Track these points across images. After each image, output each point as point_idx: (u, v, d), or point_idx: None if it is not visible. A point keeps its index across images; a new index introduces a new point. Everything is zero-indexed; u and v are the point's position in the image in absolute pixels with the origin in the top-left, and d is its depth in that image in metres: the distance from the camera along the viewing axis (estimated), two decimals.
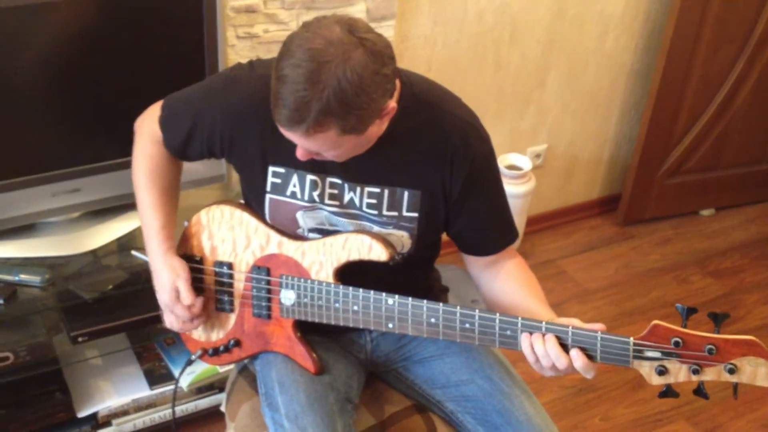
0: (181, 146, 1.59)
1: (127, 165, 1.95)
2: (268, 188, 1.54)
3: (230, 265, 1.60)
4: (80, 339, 1.98)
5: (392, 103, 1.36)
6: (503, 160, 2.92)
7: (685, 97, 3.12)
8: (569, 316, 1.41)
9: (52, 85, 1.88)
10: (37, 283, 1.95)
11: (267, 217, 1.56)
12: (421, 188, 1.50)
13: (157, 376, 2.20)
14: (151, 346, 2.27)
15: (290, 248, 1.55)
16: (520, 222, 2.97)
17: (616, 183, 3.43)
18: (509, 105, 2.90)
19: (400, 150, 1.48)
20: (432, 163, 1.49)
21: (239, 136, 1.51)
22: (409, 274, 1.62)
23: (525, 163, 2.92)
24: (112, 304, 2.01)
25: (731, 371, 1.27)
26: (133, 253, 1.81)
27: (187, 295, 1.53)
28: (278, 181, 1.53)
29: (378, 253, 1.48)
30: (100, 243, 2.05)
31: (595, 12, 2.90)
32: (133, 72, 1.93)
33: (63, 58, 1.85)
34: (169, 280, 1.54)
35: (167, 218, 1.59)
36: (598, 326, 1.35)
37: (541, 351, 1.37)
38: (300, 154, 1.39)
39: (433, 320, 1.45)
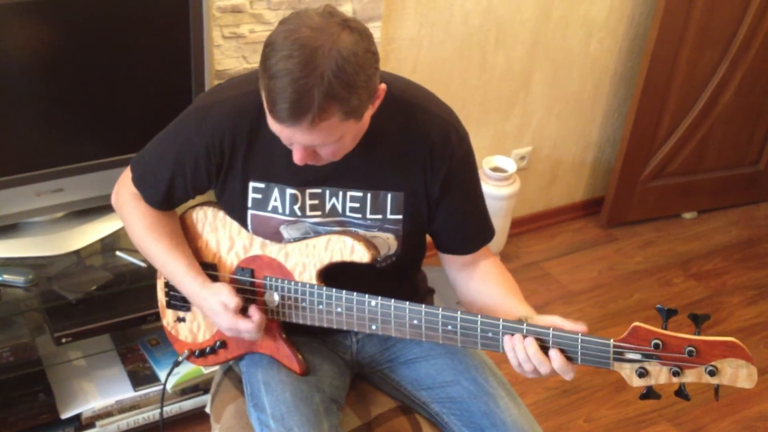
0: (164, 196, 1.56)
1: (112, 165, 1.97)
2: (250, 204, 1.52)
3: (214, 267, 1.59)
4: (64, 340, 1.96)
5: (383, 85, 1.36)
6: (488, 162, 2.93)
7: (668, 100, 3.14)
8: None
9: (37, 84, 1.87)
10: (21, 284, 1.94)
11: (250, 231, 1.55)
12: (403, 190, 1.50)
13: (141, 377, 2.19)
14: (135, 347, 2.26)
15: (273, 250, 1.54)
16: (504, 224, 2.98)
17: (599, 185, 3.45)
18: (494, 107, 2.91)
19: (380, 152, 1.48)
20: (413, 164, 1.49)
21: (225, 159, 1.49)
22: (396, 276, 1.62)
23: (509, 165, 2.93)
24: (96, 305, 2.00)
25: (712, 373, 1.26)
26: (118, 253, 1.80)
27: (236, 302, 1.48)
28: (259, 196, 1.52)
29: (360, 254, 1.48)
30: (84, 243, 2.04)
31: (579, 15, 2.92)
32: (118, 72, 1.93)
33: (47, 57, 1.84)
34: (217, 303, 1.50)
35: (188, 259, 1.55)
36: (581, 327, 1.35)
37: (523, 356, 1.36)
38: (298, 157, 1.35)
39: (415, 322, 1.44)
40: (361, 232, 1.52)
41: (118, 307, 2.03)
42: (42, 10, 1.79)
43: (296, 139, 1.32)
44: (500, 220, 2.89)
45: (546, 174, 3.26)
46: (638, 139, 3.18)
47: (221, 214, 1.58)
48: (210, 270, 1.59)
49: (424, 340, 1.47)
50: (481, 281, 1.60)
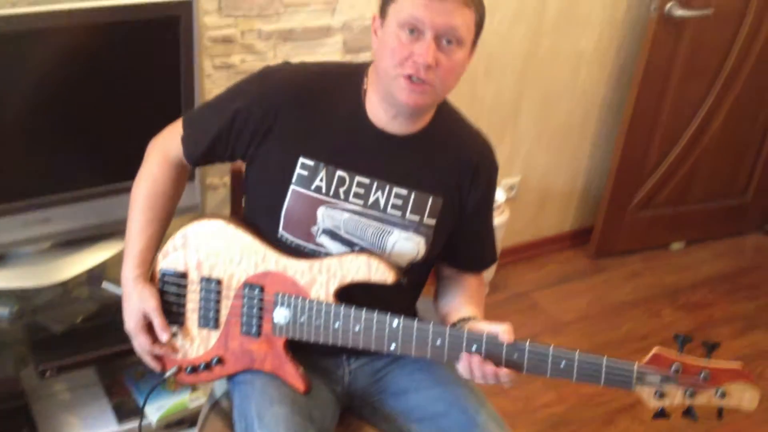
0: (205, 149, 1.59)
1: (99, 195, 1.95)
2: (294, 179, 1.54)
3: (219, 281, 1.58)
4: (48, 373, 1.93)
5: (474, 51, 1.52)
6: None
7: (656, 131, 3.16)
8: None
9: (25, 113, 1.85)
10: (5, 316, 1.91)
11: (284, 210, 1.55)
12: (443, 196, 1.57)
13: (126, 410, 2.14)
14: (121, 380, 2.22)
15: (288, 266, 1.54)
16: None
17: (588, 215, 3.46)
18: None
19: (430, 154, 1.57)
20: (456, 173, 1.59)
21: (276, 124, 1.53)
22: (401, 301, 1.64)
23: (499, 195, 2.93)
24: (82, 337, 1.97)
25: (722, 395, 1.40)
26: (104, 285, 1.78)
27: (158, 322, 1.57)
28: (305, 173, 1.54)
29: (383, 274, 1.50)
30: (71, 274, 2.00)
31: (567, 46, 2.93)
32: (107, 101, 1.91)
33: (36, 87, 1.82)
34: (136, 308, 1.56)
35: (150, 242, 1.60)
36: (502, 327, 1.44)
37: (479, 370, 1.46)
38: (430, 52, 1.40)
39: (438, 342, 1.48)
40: (396, 231, 1.56)
41: (103, 339, 1.99)
42: (30, 40, 1.77)
43: (438, 18, 1.39)
44: None
45: (535, 204, 3.27)
46: (626, 169, 3.19)
47: (231, 227, 1.58)
48: (215, 284, 1.58)
49: (444, 361, 1.51)
50: (457, 291, 1.68)
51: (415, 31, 1.41)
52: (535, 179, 3.19)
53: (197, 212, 2.16)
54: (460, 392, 1.62)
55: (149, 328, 1.60)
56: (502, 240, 3.03)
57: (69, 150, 1.94)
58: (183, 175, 1.68)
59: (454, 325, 1.56)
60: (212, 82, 2.17)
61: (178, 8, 1.86)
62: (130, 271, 1.58)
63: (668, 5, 2.84)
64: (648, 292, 3.23)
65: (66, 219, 1.96)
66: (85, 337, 1.98)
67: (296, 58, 2.25)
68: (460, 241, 1.66)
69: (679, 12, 2.85)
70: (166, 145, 1.65)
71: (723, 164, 3.38)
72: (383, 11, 1.47)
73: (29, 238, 1.95)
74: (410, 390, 1.65)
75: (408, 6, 1.40)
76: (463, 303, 1.63)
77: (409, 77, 1.43)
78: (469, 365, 1.46)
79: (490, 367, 1.45)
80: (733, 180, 3.47)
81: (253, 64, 2.20)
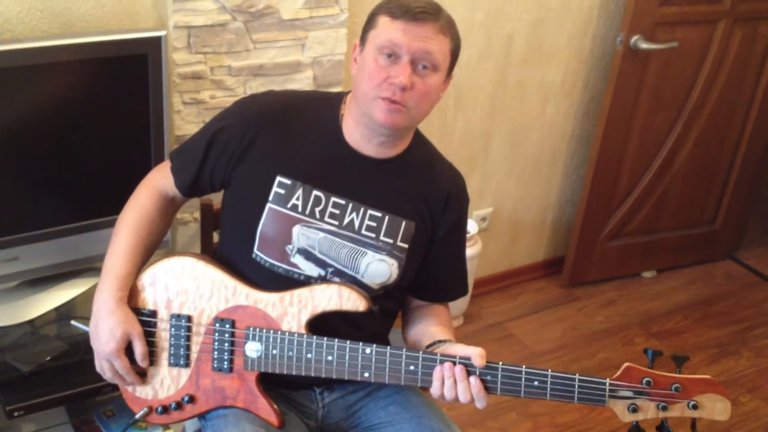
0: (193, 177, 1.62)
1: (68, 232, 1.94)
2: (271, 197, 1.56)
3: (189, 318, 1.57)
4: (16, 413, 1.89)
5: (450, 81, 1.58)
6: None
7: (625, 162, 3.20)
8: None
9: None
10: None
11: (259, 228, 1.57)
12: (416, 221, 1.60)
13: None
14: (91, 419, 2.19)
15: (259, 299, 1.54)
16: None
17: (560, 245, 3.48)
18: None
19: (405, 180, 1.60)
20: (429, 200, 1.62)
21: (255, 144, 1.57)
22: (375, 327, 1.65)
23: (471, 226, 2.94)
24: (50, 376, 1.94)
25: (694, 407, 1.41)
26: (73, 323, 1.76)
27: (143, 350, 1.55)
28: (282, 191, 1.56)
29: (355, 303, 1.51)
30: (39, 312, 1.98)
31: (535, 80, 2.97)
32: (76, 139, 1.90)
33: (2, 125, 1.82)
34: (120, 330, 1.53)
35: (134, 270, 1.59)
36: (475, 351, 1.45)
37: (450, 383, 1.46)
38: (405, 75, 1.46)
39: (412, 368, 1.48)
40: (370, 253, 1.57)
41: (73, 378, 1.96)
42: None
43: (414, 43, 1.46)
44: None
45: (507, 235, 3.28)
46: (596, 199, 3.22)
47: (201, 264, 1.58)
48: (184, 321, 1.57)
49: (419, 385, 1.50)
50: (424, 319, 1.69)
51: (392, 55, 1.47)
52: (506, 211, 3.21)
53: (168, 248, 2.15)
54: (434, 425, 1.62)
55: (127, 352, 1.57)
56: (475, 271, 3.04)
57: (37, 187, 1.92)
58: (171, 208, 1.70)
59: (428, 347, 1.56)
60: (182, 118, 2.17)
61: (146, 45, 1.87)
62: (113, 292, 1.55)
63: (633, 38, 2.89)
64: (621, 321, 3.24)
65: (34, 257, 1.94)
66: (54, 376, 1.95)
67: None
68: (430, 269, 1.67)
69: (645, 45, 2.90)
70: (156, 179, 1.67)
71: (691, 193, 3.42)
72: (363, 38, 1.53)
73: None
74: (384, 424, 1.64)
75: (386, 31, 1.47)
76: (434, 328, 1.64)
77: (386, 99, 1.47)
78: (441, 379, 1.45)
79: (463, 381, 1.44)
80: (702, 208, 3.51)
81: (223, 100, 2.20)
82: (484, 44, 2.77)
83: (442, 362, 1.46)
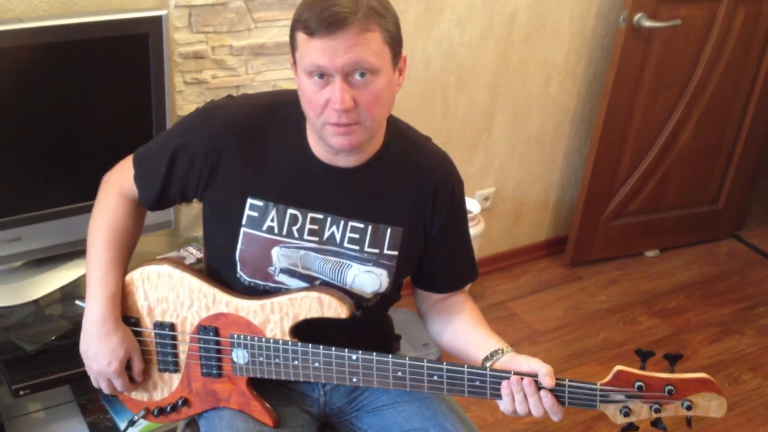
0: (158, 193, 1.54)
1: (70, 213, 1.94)
2: (244, 222, 1.50)
3: (172, 326, 1.55)
4: (22, 392, 1.91)
5: (404, 54, 1.42)
6: None
7: (627, 140, 3.19)
8: None
9: None
10: None
11: (238, 252, 1.52)
12: (403, 225, 1.52)
13: (101, 428, 2.13)
14: (96, 398, 2.21)
15: (240, 307, 1.51)
16: None
17: (562, 225, 3.48)
18: (457, 149, 2.92)
19: (384, 183, 1.51)
20: (415, 200, 1.53)
21: (221, 164, 1.49)
22: (368, 324, 1.62)
23: (474, 206, 2.95)
24: (55, 356, 1.95)
25: (689, 407, 1.37)
26: (77, 302, 1.77)
27: (141, 367, 1.55)
28: (255, 214, 1.49)
29: (336, 310, 1.47)
30: (43, 293, 2.00)
31: (538, 59, 2.96)
32: (78, 119, 1.91)
33: (4, 105, 1.82)
34: (123, 351, 1.51)
35: (120, 284, 1.54)
36: (543, 369, 1.39)
37: (521, 397, 1.40)
38: (339, 97, 1.33)
39: (399, 374, 1.45)
40: (355, 265, 1.51)
41: (77, 357, 1.96)
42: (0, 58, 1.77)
43: (338, 59, 1.31)
44: None
45: (510, 214, 3.28)
46: (599, 178, 3.22)
47: (178, 272, 1.53)
48: (168, 329, 1.55)
49: (408, 390, 1.47)
50: (453, 316, 1.62)
51: (324, 75, 1.34)
52: (509, 190, 3.21)
53: (171, 228, 2.16)
54: (437, 408, 1.61)
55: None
56: (478, 250, 3.04)
57: (39, 168, 1.93)
58: (142, 210, 1.62)
59: (484, 361, 1.48)
60: (183, 98, 2.17)
61: (147, 25, 1.86)
62: (108, 311, 1.50)
63: (637, 16, 2.87)
64: (624, 300, 3.25)
65: (37, 237, 1.95)
66: (59, 355, 1.95)
67: (268, 73, 2.27)
68: (436, 263, 1.61)
69: (648, 23, 2.88)
70: (121, 182, 1.58)
71: (694, 172, 3.41)
72: (293, 57, 1.41)
73: (0, 257, 1.94)
74: (387, 406, 1.64)
75: (307, 53, 1.34)
76: (477, 335, 1.55)
77: (334, 124, 1.37)
78: (510, 394, 1.40)
79: (534, 395, 1.39)
80: (705, 187, 3.50)
81: (224, 80, 2.20)
82: (487, 23, 2.76)
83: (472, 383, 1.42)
